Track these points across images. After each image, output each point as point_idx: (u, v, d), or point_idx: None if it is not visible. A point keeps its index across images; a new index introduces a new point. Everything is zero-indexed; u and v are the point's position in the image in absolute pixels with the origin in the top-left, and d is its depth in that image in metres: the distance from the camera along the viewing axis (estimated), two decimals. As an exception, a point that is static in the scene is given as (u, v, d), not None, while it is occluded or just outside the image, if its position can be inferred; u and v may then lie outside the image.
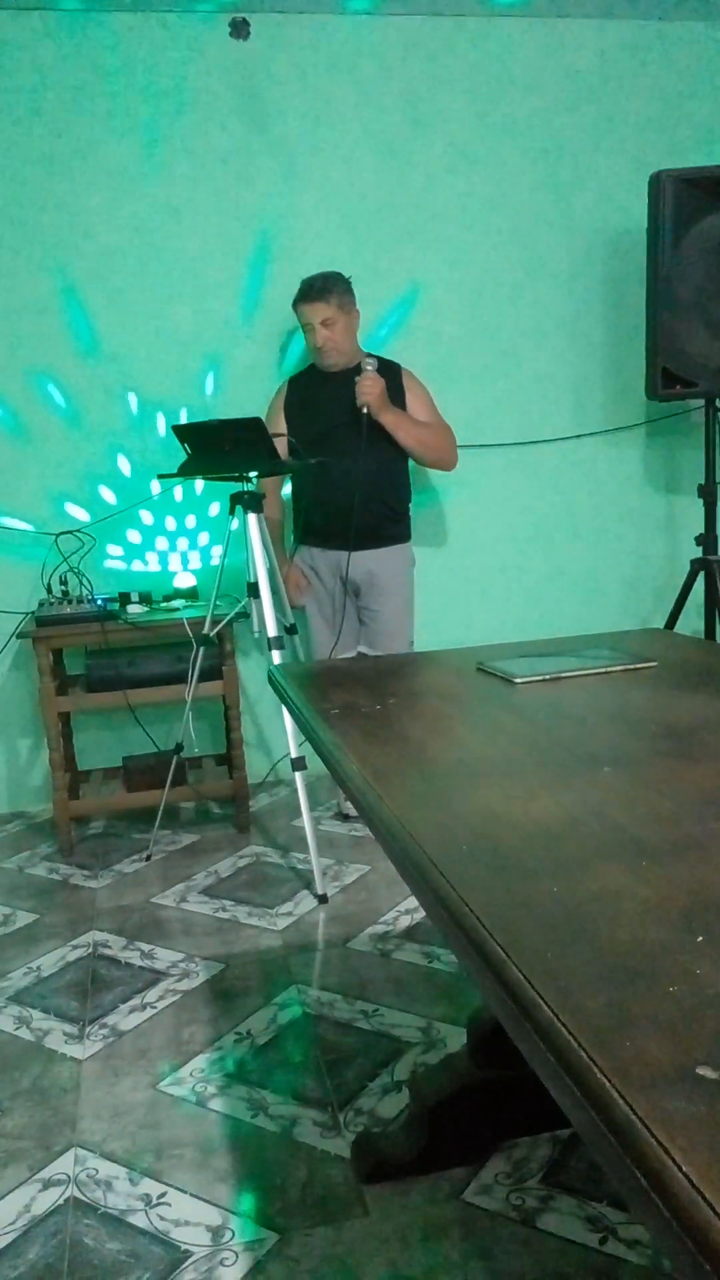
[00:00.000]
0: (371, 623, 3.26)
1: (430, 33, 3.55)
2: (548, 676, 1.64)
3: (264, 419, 3.18)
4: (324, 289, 3.07)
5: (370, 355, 3.22)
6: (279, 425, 3.26)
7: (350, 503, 3.09)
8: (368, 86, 3.54)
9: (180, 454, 2.96)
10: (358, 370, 3.09)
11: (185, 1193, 1.70)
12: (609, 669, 1.68)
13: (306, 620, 3.38)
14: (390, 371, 3.21)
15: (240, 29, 3.37)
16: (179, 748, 3.24)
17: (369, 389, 3.02)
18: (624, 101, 3.73)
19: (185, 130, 3.45)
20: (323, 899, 2.81)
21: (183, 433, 2.90)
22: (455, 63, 3.59)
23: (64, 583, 3.41)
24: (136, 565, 3.64)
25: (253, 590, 3.02)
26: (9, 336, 3.45)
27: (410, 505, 3.33)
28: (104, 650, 3.23)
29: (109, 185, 3.43)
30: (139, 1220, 1.64)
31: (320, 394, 3.19)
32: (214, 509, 3.67)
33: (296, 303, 3.14)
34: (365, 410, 3.02)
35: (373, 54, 3.52)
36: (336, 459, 3.08)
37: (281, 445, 3.19)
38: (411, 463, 3.29)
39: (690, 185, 3.22)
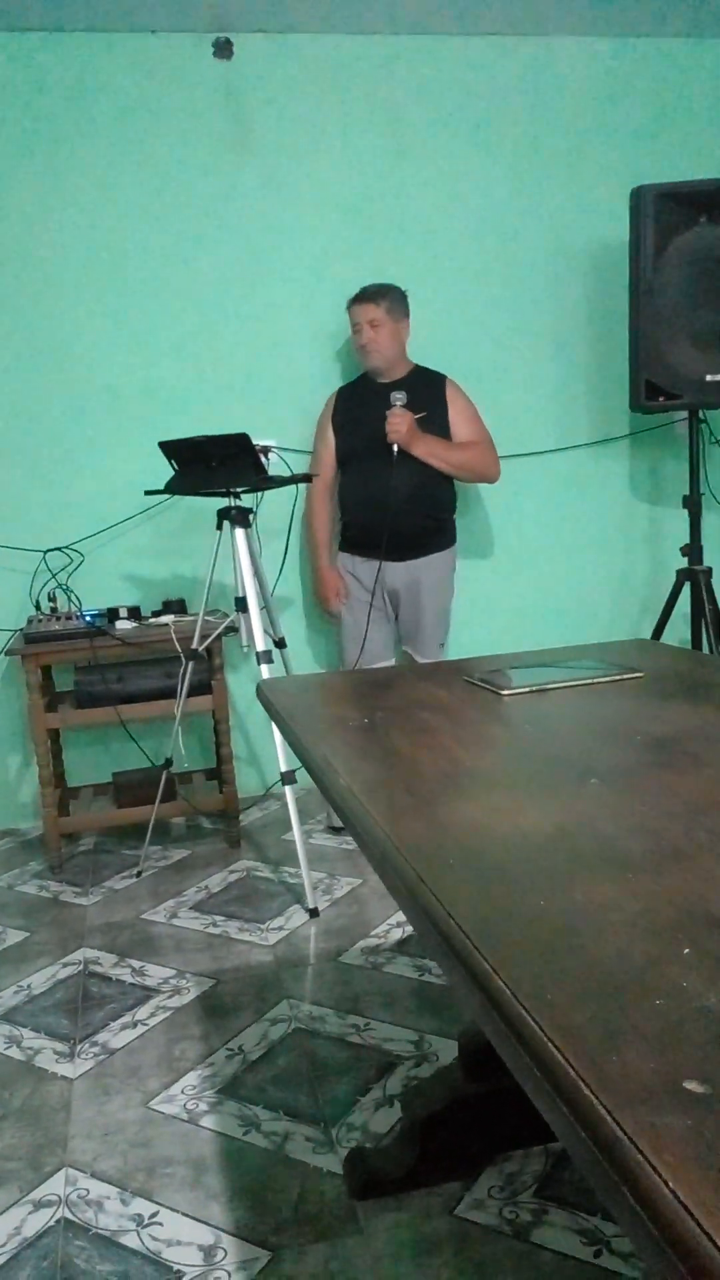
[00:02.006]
0: (413, 627, 3.35)
1: (413, 51, 3.57)
2: (535, 688, 1.65)
3: (316, 426, 3.40)
4: (376, 293, 3.21)
5: (416, 367, 3.32)
6: (327, 434, 3.37)
7: (390, 514, 3.18)
8: (351, 104, 3.57)
9: (167, 470, 2.96)
10: (404, 387, 3.18)
11: (177, 1212, 1.69)
12: (596, 680, 1.69)
13: (340, 628, 3.43)
14: (434, 384, 3.29)
15: (223, 49, 3.40)
16: (169, 763, 3.23)
17: (396, 427, 3.10)
18: (605, 117, 3.76)
19: (169, 149, 3.46)
20: (314, 913, 2.81)
21: (169, 449, 2.90)
22: (438, 80, 3.62)
23: (53, 599, 3.41)
24: (125, 581, 3.64)
25: (241, 605, 3.02)
26: (-5, 353, 3.46)
27: (454, 511, 3.41)
28: (93, 666, 3.23)
29: (91, 204, 3.44)
30: (131, 1241, 1.63)
31: (366, 405, 3.26)
32: (201, 524, 3.67)
33: (349, 304, 3.26)
34: (395, 444, 3.12)
35: (356, 72, 3.55)
36: (379, 470, 3.17)
37: (324, 456, 3.34)
38: None
39: (671, 199, 3.25)
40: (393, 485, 3.16)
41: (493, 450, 3.37)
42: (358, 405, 3.30)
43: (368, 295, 3.21)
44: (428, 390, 3.25)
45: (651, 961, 0.74)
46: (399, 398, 3.12)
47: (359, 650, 3.35)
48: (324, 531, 3.47)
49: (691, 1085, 0.60)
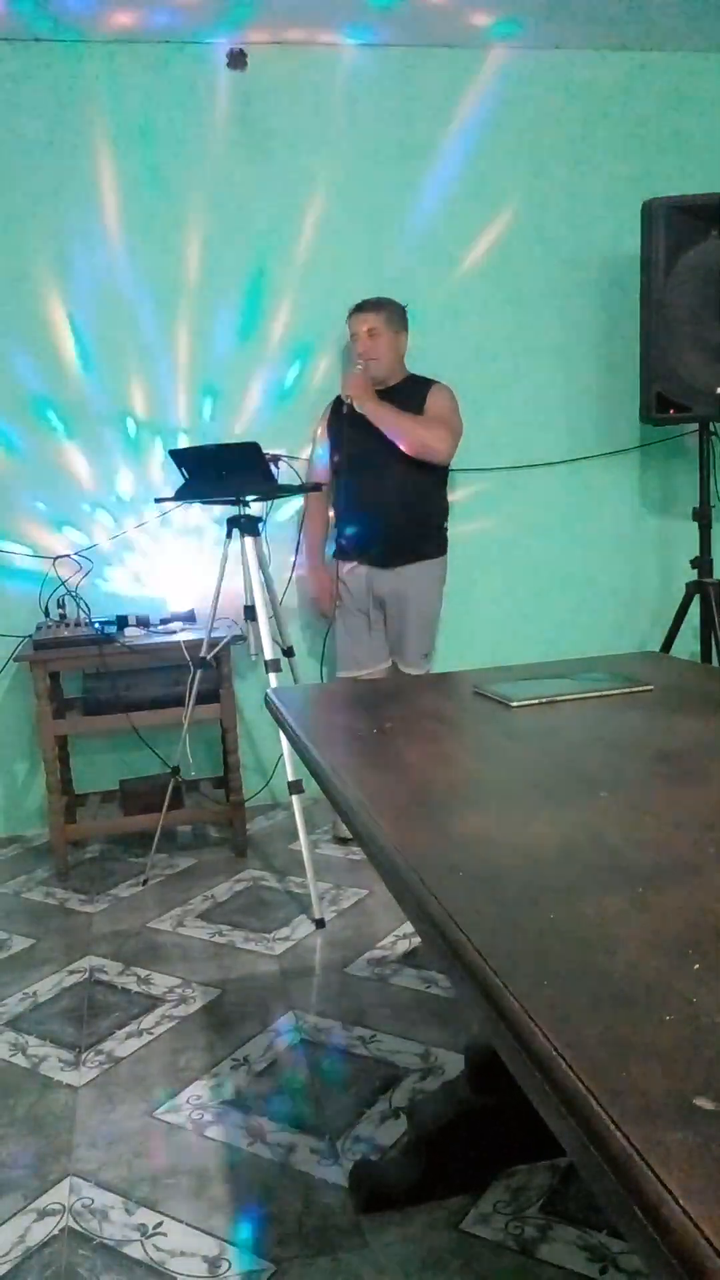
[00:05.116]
0: (397, 636, 3.36)
1: (425, 63, 3.59)
2: (544, 700, 1.64)
3: (311, 433, 3.43)
4: (376, 303, 3.26)
5: (411, 375, 3.36)
6: (323, 440, 3.41)
7: (379, 520, 3.22)
8: (363, 116, 3.58)
9: (178, 478, 2.97)
10: (397, 391, 3.24)
11: (181, 1222, 1.68)
12: (605, 693, 1.68)
13: (334, 635, 3.42)
14: (422, 387, 3.32)
15: (237, 60, 3.42)
16: (176, 771, 3.24)
17: (350, 382, 3.19)
18: (617, 130, 3.77)
19: (183, 159, 3.48)
20: (320, 923, 2.80)
21: (180, 457, 2.91)
22: (450, 92, 3.63)
23: (62, 606, 3.41)
24: (134, 588, 3.65)
25: (250, 613, 3.02)
26: (8, 363, 3.47)
27: (446, 520, 3.42)
28: (101, 673, 3.23)
29: (108, 214, 3.46)
30: (135, 1251, 1.62)
31: (358, 412, 3.25)
32: (211, 532, 3.68)
33: (350, 314, 3.29)
34: (349, 402, 3.17)
35: (368, 84, 3.57)
36: (371, 477, 3.20)
37: (318, 462, 3.39)
38: (450, 478, 3.43)
39: (682, 212, 3.26)
40: (384, 491, 3.20)
41: (446, 429, 3.24)
42: (352, 412, 3.29)
43: (368, 306, 3.26)
44: (417, 393, 3.29)
45: (661, 976, 0.74)
46: (360, 365, 3.21)
47: (351, 658, 3.36)
48: (317, 535, 3.48)
49: (701, 1101, 0.59)
